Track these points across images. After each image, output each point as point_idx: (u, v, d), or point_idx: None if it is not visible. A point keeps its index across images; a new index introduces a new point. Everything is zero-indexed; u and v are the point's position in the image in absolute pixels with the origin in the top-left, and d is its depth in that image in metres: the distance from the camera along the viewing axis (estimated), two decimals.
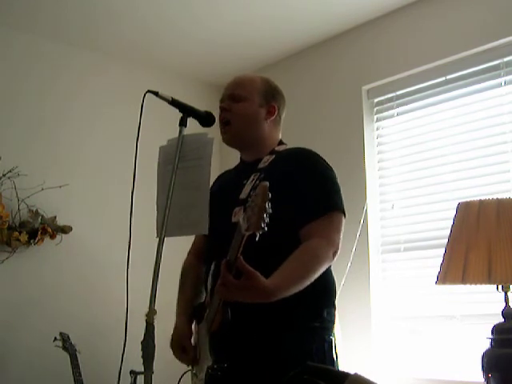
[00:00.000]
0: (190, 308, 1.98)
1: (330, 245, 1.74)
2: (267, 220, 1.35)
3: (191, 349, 1.92)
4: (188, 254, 2.15)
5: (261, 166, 1.92)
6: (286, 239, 1.74)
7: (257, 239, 1.39)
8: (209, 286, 1.85)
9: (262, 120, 1.98)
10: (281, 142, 2.05)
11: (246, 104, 1.96)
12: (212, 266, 1.82)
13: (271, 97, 2.01)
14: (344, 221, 1.83)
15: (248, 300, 1.57)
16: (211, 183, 2.12)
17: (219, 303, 1.68)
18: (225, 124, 1.98)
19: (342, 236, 1.80)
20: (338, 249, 1.77)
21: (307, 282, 1.67)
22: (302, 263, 1.68)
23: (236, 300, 1.59)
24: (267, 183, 1.38)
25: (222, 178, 2.18)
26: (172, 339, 1.95)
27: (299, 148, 1.97)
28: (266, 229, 1.35)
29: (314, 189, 1.83)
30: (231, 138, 2.00)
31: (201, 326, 1.88)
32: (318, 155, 1.93)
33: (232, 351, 1.78)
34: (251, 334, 1.77)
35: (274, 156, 1.95)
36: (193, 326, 1.97)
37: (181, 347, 1.93)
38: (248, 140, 1.99)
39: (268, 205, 1.35)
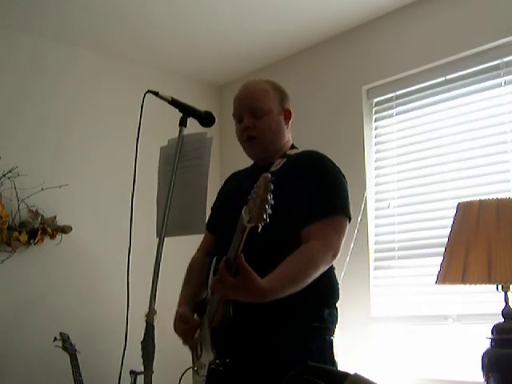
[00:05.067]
0: (192, 302, 1.97)
1: (328, 248, 1.73)
2: (269, 211, 1.35)
3: (195, 322, 1.90)
4: (197, 251, 2.16)
5: (273, 169, 1.93)
6: (288, 239, 1.74)
7: (259, 230, 1.38)
8: (210, 282, 1.86)
9: (284, 127, 2.01)
10: (292, 146, 2.06)
11: (269, 117, 1.96)
12: (213, 262, 1.83)
13: (283, 101, 2.03)
14: (347, 225, 1.83)
15: (242, 299, 1.58)
16: (223, 182, 2.14)
17: (220, 299, 1.69)
18: (250, 139, 1.97)
19: (343, 240, 1.79)
20: (337, 252, 1.76)
21: (302, 285, 1.67)
22: (297, 266, 1.68)
23: (230, 298, 1.61)
24: (269, 174, 1.38)
25: (234, 178, 2.17)
26: (175, 319, 1.93)
27: (310, 151, 1.98)
28: (268, 220, 1.35)
29: (319, 191, 1.83)
30: (259, 151, 2.00)
31: (202, 322, 1.89)
32: (327, 158, 1.93)
33: (233, 348, 1.78)
34: (252, 332, 1.77)
35: (285, 159, 1.96)
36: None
37: (184, 320, 1.90)
38: (272, 150, 1.99)
39: (270, 196, 1.35)
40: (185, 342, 1.92)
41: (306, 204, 1.79)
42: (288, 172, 1.89)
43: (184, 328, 1.90)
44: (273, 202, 1.35)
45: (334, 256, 1.76)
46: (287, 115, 2.02)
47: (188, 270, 2.10)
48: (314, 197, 1.81)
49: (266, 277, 1.58)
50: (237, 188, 2.02)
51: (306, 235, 1.76)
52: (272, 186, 1.36)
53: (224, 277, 1.53)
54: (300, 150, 2.05)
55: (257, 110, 1.96)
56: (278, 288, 1.60)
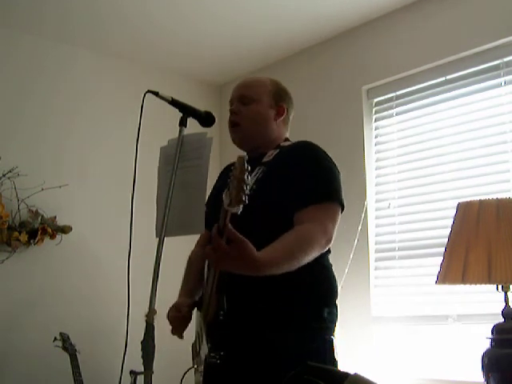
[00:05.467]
0: (191, 296, 1.97)
1: (323, 232, 1.72)
2: (248, 192, 1.34)
3: (187, 312, 1.90)
4: (195, 245, 2.16)
5: (265, 159, 1.94)
6: (281, 224, 1.73)
7: (239, 213, 1.37)
8: (205, 276, 1.86)
9: (272, 121, 2.01)
10: (286, 139, 2.07)
11: (255, 106, 1.98)
12: None
13: (280, 98, 2.03)
14: (340, 213, 1.82)
15: (236, 270, 1.54)
16: (216, 177, 2.13)
17: (211, 289, 1.68)
18: (234, 126, 1.99)
19: (336, 227, 1.79)
20: (330, 238, 1.75)
21: (297, 264, 1.65)
22: (293, 243, 1.66)
23: (224, 268, 1.56)
24: (245, 155, 1.38)
25: (226, 171, 2.18)
26: (170, 308, 1.94)
27: (303, 141, 1.98)
28: (246, 202, 1.34)
29: (314, 178, 1.83)
30: (241, 139, 2.00)
31: (199, 317, 1.89)
32: (321, 149, 1.94)
33: (229, 342, 1.78)
34: (251, 331, 1.77)
35: (278, 150, 1.97)
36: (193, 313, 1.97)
37: (177, 309, 1.91)
38: (257, 141, 2.00)
39: (247, 176, 1.34)
40: (174, 330, 1.91)
41: (301, 190, 1.79)
42: (281, 161, 1.89)
43: (175, 316, 1.89)
44: (250, 182, 1.35)
45: (328, 242, 1.75)
46: (280, 112, 2.01)
47: (187, 264, 2.11)
48: (309, 183, 1.81)
49: (263, 250, 1.55)
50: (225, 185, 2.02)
51: (300, 218, 1.75)
52: (249, 167, 1.35)
53: (218, 243, 1.47)
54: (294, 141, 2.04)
55: (246, 97, 1.99)
56: (272, 262, 1.57)
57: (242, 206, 1.35)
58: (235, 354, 1.77)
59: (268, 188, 1.84)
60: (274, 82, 2.06)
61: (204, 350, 1.82)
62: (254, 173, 1.88)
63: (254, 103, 1.98)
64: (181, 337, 1.91)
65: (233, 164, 2.12)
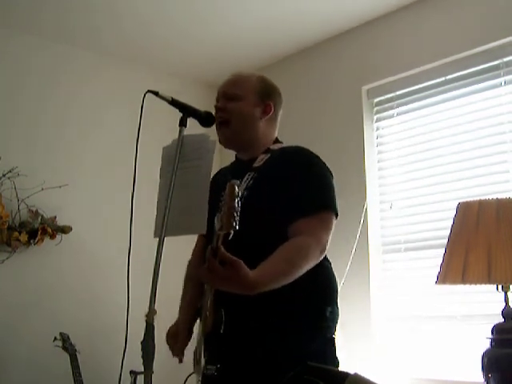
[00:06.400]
0: (191, 309, 1.97)
1: (318, 244, 1.72)
2: (238, 218, 1.37)
3: (183, 338, 1.91)
4: (192, 254, 2.15)
5: (255, 164, 1.92)
6: (275, 236, 1.73)
7: (230, 238, 1.40)
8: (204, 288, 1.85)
9: (258, 119, 1.97)
10: (276, 141, 2.03)
11: (241, 103, 1.95)
12: None
13: (267, 95, 1.99)
14: (335, 221, 1.81)
15: (231, 290, 1.55)
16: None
17: (210, 302, 1.68)
18: (222, 124, 1.96)
19: (331, 236, 1.79)
20: (324, 248, 1.75)
21: (291, 278, 1.65)
22: (287, 259, 1.66)
23: (219, 288, 1.59)
24: (235, 182, 1.40)
25: (219, 175, 2.17)
26: (169, 329, 1.96)
27: (294, 146, 1.96)
28: (237, 228, 1.37)
29: (307, 187, 1.82)
30: (228, 138, 1.99)
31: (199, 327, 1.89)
32: (313, 154, 1.91)
33: (228, 351, 1.77)
34: (250, 333, 1.77)
35: (268, 155, 1.94)
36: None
37: (175, 335, 1.92)
38: (244, 140, 1.98)
39: (238, 203, 1.37)
40: (173, 355, 1.93)
41: (293, 199, 1.78)
42: (272, 168, 1.87)
43: (171, 344, 1.92)
44: (240, 209, 1.38)
45: (322, 252, 1.75)
46: (266, 110, 1.97)
47: (185, 275, 2.10)
48: (302, 193, 1.80)
49: (257, 269, 1.56)
50: (221, 186, 2.00)
51: (295, 230, 1.74)
52: (239, 193, 1.38)
53: (212, 264, 1.49)
54: (284, 144, 2.02)
55: (230, 94, 1.96)
56: (266, 280, 1.58)
57: (233, 232, 1.39)
58: (233, 363, 1.76)
59: (259, 196, 1.82)
60: (261, 79, 2.02)
61: (202, 361, 1.82)
62: (245, 179, 1.87)
63: (239, 101, 1.95)
64: (181, 361, 1.93)
65: (227, 169, 2.13)
